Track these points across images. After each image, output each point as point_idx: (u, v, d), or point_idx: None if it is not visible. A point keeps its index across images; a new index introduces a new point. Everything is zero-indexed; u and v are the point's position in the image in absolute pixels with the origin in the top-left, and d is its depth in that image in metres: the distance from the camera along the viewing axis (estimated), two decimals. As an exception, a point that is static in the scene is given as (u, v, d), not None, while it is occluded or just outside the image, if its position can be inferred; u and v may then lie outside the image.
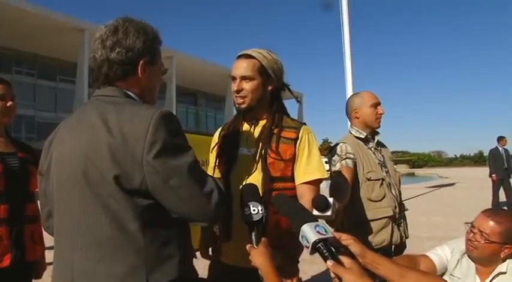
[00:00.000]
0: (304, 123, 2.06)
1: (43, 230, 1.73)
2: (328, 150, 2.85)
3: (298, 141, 1.96)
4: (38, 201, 2.33)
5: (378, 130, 2.92)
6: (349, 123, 3.01)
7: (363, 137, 2.84)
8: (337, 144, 2.77)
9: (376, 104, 2.84)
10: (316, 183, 1.96)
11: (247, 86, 1.95)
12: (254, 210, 1.46)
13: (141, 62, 1.45)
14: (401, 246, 2.82)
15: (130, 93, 1.46)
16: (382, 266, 1.36)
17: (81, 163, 1.32)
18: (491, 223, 1.99)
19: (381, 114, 2.85)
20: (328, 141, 75.76)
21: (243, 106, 1.98)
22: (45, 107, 32.35)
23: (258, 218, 1.46)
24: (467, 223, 2.13)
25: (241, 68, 1.96)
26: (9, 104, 2.26)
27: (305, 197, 1.87)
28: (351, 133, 2.90)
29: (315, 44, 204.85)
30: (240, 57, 2.00)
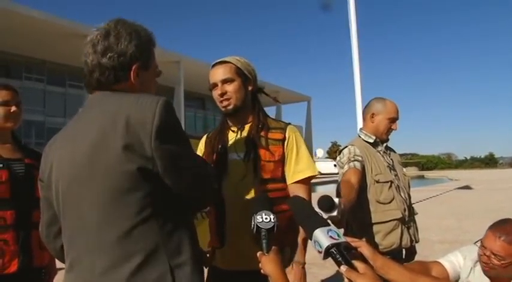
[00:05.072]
0: (289, 123, 2.10)
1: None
2: (337, 152, 2.85)
3: (286, 142, 2.00)
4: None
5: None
6: (358, 127, 3.01)
7: (371, 141, 2.84)
8: (345, 147, 2.78)
9: (394, 119, 2.87)
10: (307, 181, 2.00)
11: (229, 87, 2.00)
12: (266, 218, 1.48)
13: (133, 67, 1.42)
14: (412, 250, 2.80)
15: None
16: (393, 271, 1.33)
17: (86, 160, 1.31)
18: (504, 245, 1.93)
19: (393, 129, 2.88)
20: (337, 143, 75.75)
21: (229, 107, 2.02)
22: (55, 113, 32.60)
23: (269, 226, 1.47)
24: (476, 243, 2.09)
25: (220, 73, 2.02)
26: (13, 109, 2.26)
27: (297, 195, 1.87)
28: (359, 136, 2.91)
29: (324, 47, 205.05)
30: (215, 65, 2.07)
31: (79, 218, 1.34)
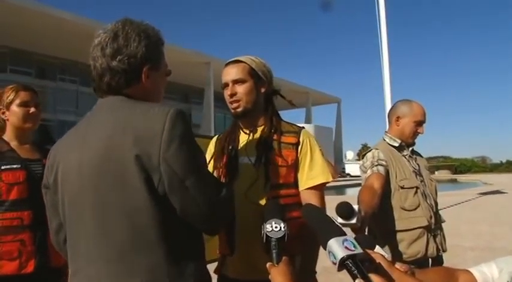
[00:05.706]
0: (303, 127, 2.02)
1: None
2: (361, 157, 2.77)
3: (300, 146, 1.92)
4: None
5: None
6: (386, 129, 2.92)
7: (396, 144, 2.75)
8: (369, 151, 2.71)
9: (421, 123, 2.76)
10: (320, 187, 1.91)
11: (240, 89, 1.92)
12: (276, 227, 1.40)
13: (144, 69, 1.36)
14: (438, 259, 2.67)
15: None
16: None
17: (93, 169, 1.27)
18: None
19: (419, 133, 2.77)
20: (367, 145, 75.01)
21: (238, 110, 1.94)
22: (87, 113, 33.45)
23: (279, 236, 1.39)
24: None
25: (232, 72, 1.95)
26: (31, 110, 2.27)
27: (311, 203, 1.80)
28: (384, 140, 2.82)
29: (355, 48, 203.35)
30: (228, 64, 2.00)
31: (83, 227, 1.30)
